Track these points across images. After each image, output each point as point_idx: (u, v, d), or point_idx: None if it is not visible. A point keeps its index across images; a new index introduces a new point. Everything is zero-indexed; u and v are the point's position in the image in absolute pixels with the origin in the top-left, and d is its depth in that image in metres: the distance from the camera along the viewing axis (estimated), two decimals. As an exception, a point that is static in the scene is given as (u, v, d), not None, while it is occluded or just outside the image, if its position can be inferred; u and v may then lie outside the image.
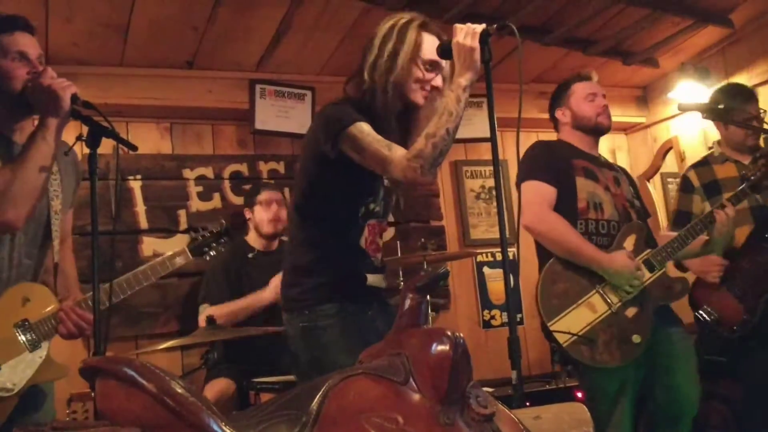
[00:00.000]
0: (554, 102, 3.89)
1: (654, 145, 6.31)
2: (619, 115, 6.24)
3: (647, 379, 3.45)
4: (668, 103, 5.91)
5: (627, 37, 5.28)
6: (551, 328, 3.33)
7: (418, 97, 2.62)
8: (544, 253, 3.55)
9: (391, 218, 2.96)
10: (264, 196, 4.73)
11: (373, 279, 2.71)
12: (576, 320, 3.33)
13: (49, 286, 2.72)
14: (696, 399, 3.46)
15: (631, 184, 3.82)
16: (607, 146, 6.41)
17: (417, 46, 2.59)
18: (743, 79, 5.38)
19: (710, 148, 4.34)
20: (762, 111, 4.04)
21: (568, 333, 3.28)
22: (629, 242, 3.52)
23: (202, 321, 4.55)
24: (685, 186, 4.16)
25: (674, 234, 3.69)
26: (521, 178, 3.61)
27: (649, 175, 6.25)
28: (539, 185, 3.53)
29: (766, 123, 4.10)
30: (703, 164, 4.20)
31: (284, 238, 5.13)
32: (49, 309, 2.65)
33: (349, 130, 2.49)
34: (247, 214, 4.79)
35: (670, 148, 6.08)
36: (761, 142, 4.13)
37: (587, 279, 3.42)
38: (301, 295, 2.62)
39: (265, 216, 4.69)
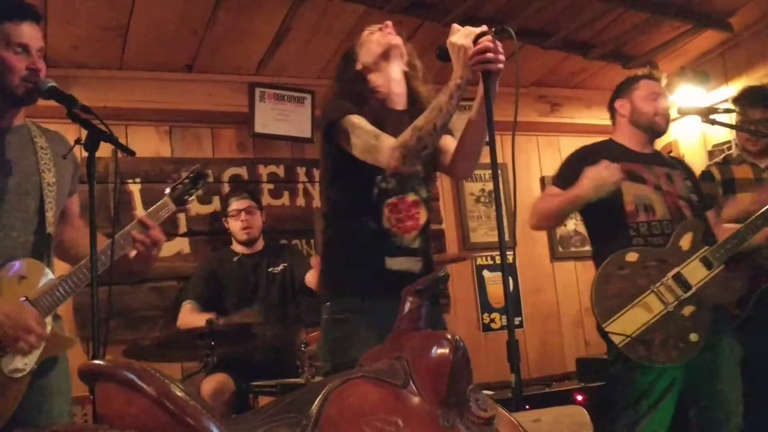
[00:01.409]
0: (617, 93, 3.83)
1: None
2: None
3: (691, 382, 3.43)
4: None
5: (626, 40, 5.29)
6: (606, 330, 3.31)
7: (381, 39, 2.88)
8: (599, 256, 3.53)
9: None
10: (232, 206, 4.75)
11: (397, 263, 2.71)
12: (632, 320, 3.31)
13: (45, 259, 2.68)
14: (738, 405, 3.41)
15: (688, 178, 3.72)
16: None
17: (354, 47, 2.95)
18: (742, 83, 5.39)
19: (729, 149, 4.39)
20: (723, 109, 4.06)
21: (623, 335, 3.27)
22: (686, 241, 3.46)
23: (181, 317, 4.60)
24: (708, 177, 4.23)
25: (734, 226, 3.65)
26: (553, 182, 3.71)
27: (648, 179, 6.26)
28: (550, 189, 3.64)
29: None
30: (723, 163, 4.33)
31: (283, 241, 5.14)
32: (46, 283, 2.62)
33: (340, 123, 2.63)
34: (225, 224, 4.83)
35: (670, 152, 6.07)
36: None
37: (643, 279, 3.39)
38: (326, 287, 2.76)
39: (236, 226, 4.74)
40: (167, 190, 2.93)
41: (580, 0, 4.68)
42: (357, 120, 2.61)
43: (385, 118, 2.71)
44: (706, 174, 4.27)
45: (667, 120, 3.73)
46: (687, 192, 3.62)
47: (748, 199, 3.83)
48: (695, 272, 3.40)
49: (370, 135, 2.58)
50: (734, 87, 5.43)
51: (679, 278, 3.39)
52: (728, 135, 5.32)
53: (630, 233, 3.48)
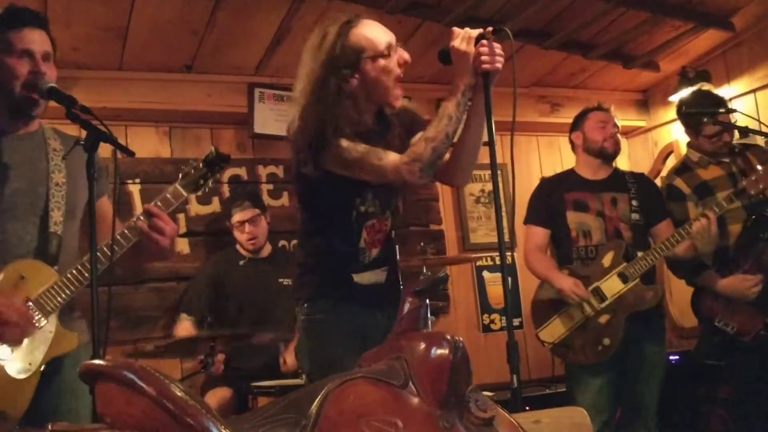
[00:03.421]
0: (572, 127, 4.34)
1: (654, 149, 6.31)
2: (619, 118, 6.24)
3: (622, 383, 4.01)
4: (669, 107, 5.90)
5: (627, 40, 5.28)
6: (539, 336, 4.10)
7: (393, 98, 2.61)
8: None
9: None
10: (236, 217, 4.70)
11: (363, 278, 2.71)
12: (558, 327, 4.04)
13: (50, 259, 2.66)
14: (651, 400, 4.02)
15: (636, 197, 4.13)
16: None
17: (356, 50, 2.55)
18: (744, 82, 5.39)
19: (686, 151, 4.38)
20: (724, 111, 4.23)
21: (548, 341, 4.06)
22: (607, 258, 4.01)
23: (178, 330, 4.61)
24: (676, 194, 4.21)
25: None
26: (525, 220, 4.33)
27: (649, 179, 6.25)
28: (532, 230, 4.26)
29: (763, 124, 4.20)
30: (687, 170, 4.25)
31: (284, 242, 5.14)
32: (47, 282, 2.59)
33: (329, 150, 2.52)
34: (230, 227, 4.79)
35: (671, 152, 6.08)
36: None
37: None
38: (302, 291, 2.74)
39: (241, 237, 4.71)
40: (180, 175, 2.87)
41: (581, 0, 4.68)
42: (346, 143, 2.51)
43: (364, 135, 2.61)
44: (674, 191, 4.23)
45: (616, 143, 4.22)
46: (628, 213, 4.11)
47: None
48: (612, 286, 3.97)
49: (370, 155, 2.51)
50: (736, 87, 5.44)
51: (597, 291, 3.96)
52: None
53: (573, 255, 4.12)
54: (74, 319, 2.73)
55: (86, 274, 2.60)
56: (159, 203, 2.79)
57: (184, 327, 4.60)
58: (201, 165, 2.88)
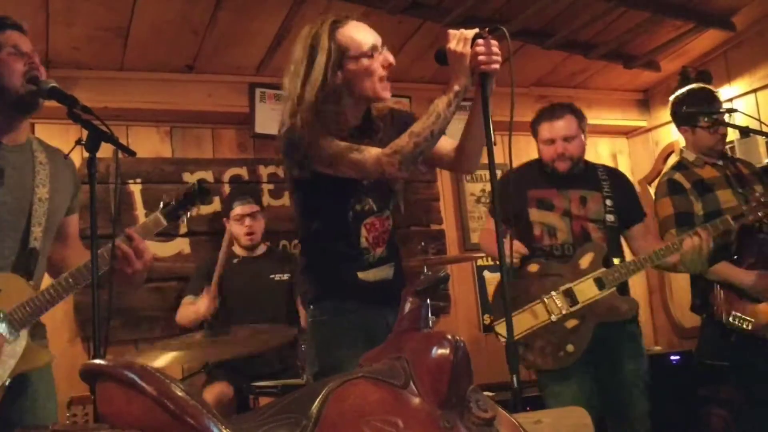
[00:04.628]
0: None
1: (655, 149, 6.31)
2: (620, 118, 6.25)
3: (604, 397, 3.73)
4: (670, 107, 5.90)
5: (628, 40, 5.28)
6: (495, 330, 3.79)
7: (380, 91, 2.64)
8: None
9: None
10: (236, 211, 4.69)
11: (369, 275, 2.72)
12: (518, 324, 3.55)
13: (26, 274, 2.65)
14: (640, 410, 3.74)
15: (611, 196, 3.92)
16: (608, 150, 6.41)
17: (341, 49, 2.60)
18: (745, 82, 5.39)
19: (732, 149, 4.35)
20: (725, 110, 4.17)
21: (502, 335, 3.61)
22: (585, 260, 3.76)
23: (180, 314, 4.60)
24: (676, 188, 4.10)
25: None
26: (489, 209, 4.33)
27: (650, 179, 6.25)
28: (489, 221, 4.20)
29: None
30: (684, 168, 4.18)
31: (285, 242, 5.14)
32: (23, 296, 2.58)
33: (313, 150, 2.54)
34: (226, 223, 4.77)
35: (672, 152, 6.08)
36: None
37: (537, 289, 3.75)
38: (306, 293, 2.77)
39: (239, 231, 4.69)
40: (161, 205, 2.88)
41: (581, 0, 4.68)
42: (329, 140, 2.54)
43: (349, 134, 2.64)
44: (675, 185, 4.12)
45: (568, 159, 3.88)
46: (601, 213, 3.88)
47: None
48: (586, 290, 3.72)
49: (350, 150, 2.53)
50: (737, 87, 5.44)
51: (568, 293, 3.72)
52: (731, 135, 5.30)
53: (537, 253, 3.85)
54: (39, 330, 2.72)
55: (62, 292, 2.61)
56: (141, 230, 2.79)
57: (186, 305, 4.58)
58: (182, 197, 2.89)
